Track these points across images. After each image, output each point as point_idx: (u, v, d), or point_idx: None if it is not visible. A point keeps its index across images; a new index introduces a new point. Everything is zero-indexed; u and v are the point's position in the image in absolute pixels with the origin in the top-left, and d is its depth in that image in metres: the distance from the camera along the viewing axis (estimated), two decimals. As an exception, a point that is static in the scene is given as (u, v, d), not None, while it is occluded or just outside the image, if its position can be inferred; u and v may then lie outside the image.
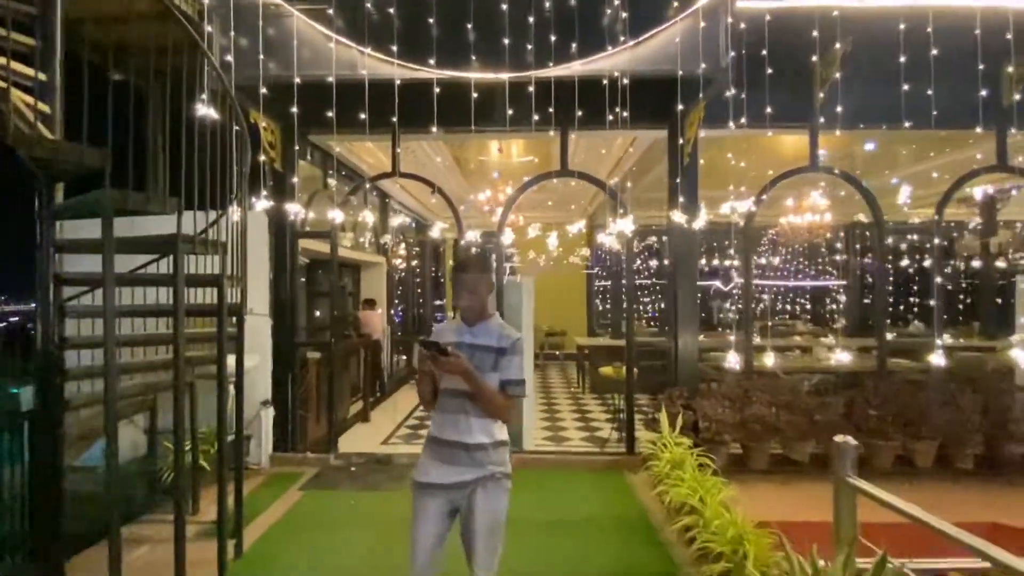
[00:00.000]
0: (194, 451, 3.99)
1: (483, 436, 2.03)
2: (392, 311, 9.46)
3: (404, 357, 10.51)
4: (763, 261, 12.13)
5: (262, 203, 4.83)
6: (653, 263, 12.28)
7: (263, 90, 4.56)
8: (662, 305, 13.51)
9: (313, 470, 5.21)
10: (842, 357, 5.33)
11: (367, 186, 7.79)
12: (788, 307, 11.55)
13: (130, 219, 2.87)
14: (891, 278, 11.24)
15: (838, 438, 2.53)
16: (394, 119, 4.92)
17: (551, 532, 3.77)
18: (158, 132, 3.72)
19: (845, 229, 10.62)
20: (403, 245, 9.75)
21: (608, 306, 12.97)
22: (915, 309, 10.59)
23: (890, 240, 11.22)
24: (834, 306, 11.31)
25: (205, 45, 3.27)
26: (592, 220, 11.57)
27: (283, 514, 4.24)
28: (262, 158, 5.19)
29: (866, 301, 10.79)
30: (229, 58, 4.38)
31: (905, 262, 10.75)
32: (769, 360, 4.85)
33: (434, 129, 5.06)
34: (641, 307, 13.40)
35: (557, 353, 12.08)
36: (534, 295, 5.59)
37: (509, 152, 6.85)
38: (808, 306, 11.56)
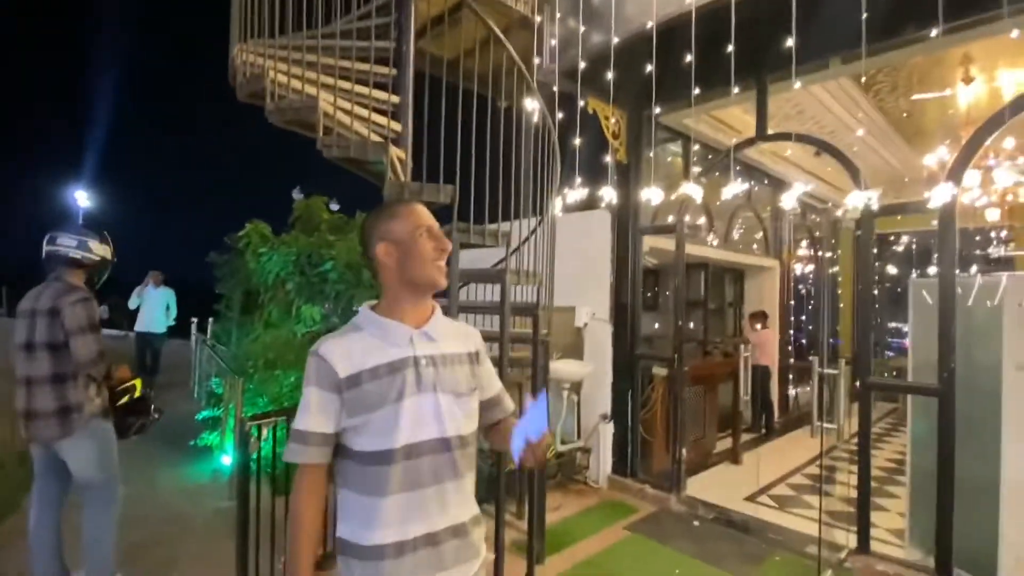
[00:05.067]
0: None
1: (474, 501, 1.30)
2: (787, 328, 7.48)
3: (802, 390, 8.21)
4: None
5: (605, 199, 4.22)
6: None
7: (609, 75, 3.89)
8: None
9: (650, 508, 4.36)
10: None
11: (746, 181, 6.45)
12: None
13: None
14: None
15: None
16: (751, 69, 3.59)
17: None
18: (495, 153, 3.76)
19: None
20: (805, 244, 7.61)
21: None
22: None
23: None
24: None
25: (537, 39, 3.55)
26: None
27: (594, 553, 3.59)
28: (607, 159, 4.60)
29: None
30: (554, 43, 4.12)
31: None
32: None
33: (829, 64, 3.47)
34: None
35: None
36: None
37: (979, 69, 4.15)
38: None
